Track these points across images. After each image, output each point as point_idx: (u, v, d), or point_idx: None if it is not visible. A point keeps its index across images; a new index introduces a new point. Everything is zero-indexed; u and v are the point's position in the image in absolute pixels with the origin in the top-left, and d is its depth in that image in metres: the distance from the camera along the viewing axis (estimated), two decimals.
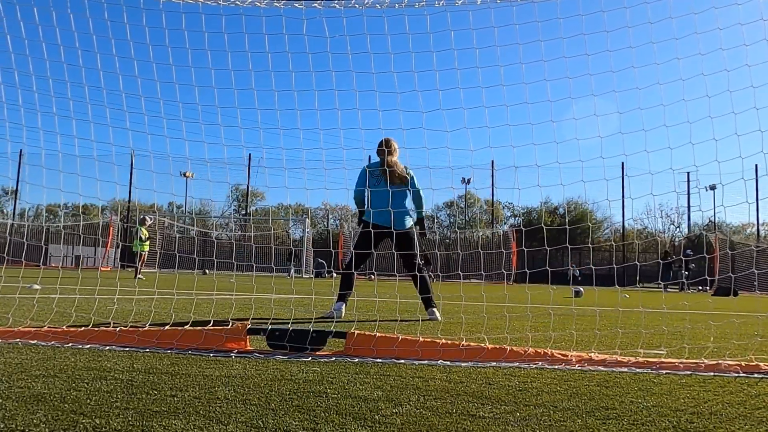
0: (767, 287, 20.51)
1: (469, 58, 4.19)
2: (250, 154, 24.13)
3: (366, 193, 5.67)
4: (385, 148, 5.61)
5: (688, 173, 29.67)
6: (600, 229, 46.86)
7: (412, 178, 5.69)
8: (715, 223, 35.08)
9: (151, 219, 19.02)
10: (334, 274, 23.12)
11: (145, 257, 15.57)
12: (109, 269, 22.26)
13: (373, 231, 5.43)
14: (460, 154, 4.38)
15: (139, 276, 14.40)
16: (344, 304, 5.56)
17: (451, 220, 48.32)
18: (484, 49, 4.20)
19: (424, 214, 5.76)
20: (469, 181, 33.92)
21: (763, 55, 3.69)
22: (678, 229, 44.91)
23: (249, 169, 25.86)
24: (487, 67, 4.20)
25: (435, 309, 5.53)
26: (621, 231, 36.74)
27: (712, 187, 30.09)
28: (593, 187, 4.41)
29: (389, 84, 4.18)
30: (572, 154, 4.06)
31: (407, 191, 5.70)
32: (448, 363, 2.95)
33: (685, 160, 4.13)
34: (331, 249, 28.48)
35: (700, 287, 21.60)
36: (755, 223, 35.61)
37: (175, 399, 2.04)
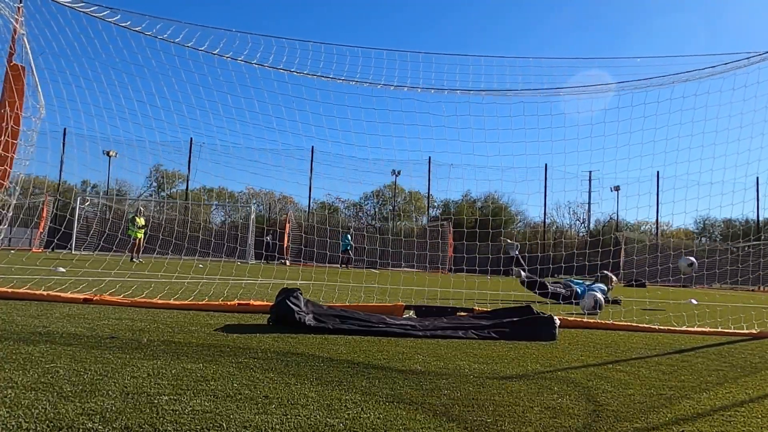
0: (665, 276, 23.59)
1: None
2: (191, 138, 24.12)
3: None
4: None
5: (590, 172, 32.61)
6: (514, 222, 49.84)
7: None
8: (617, 221, 38.52)
9: (144, 209, 20.29)
10: (287, 262, 23.51)
11: (142, 243, 16.49)
12: (41, 251, 21.65)
13: None
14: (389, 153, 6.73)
15: (140, 260, 15.55)
16: None
17: (376, 210, 49.61)
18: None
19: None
20: (399, 173, 35.67)
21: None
22: (583, 225, 48.76)
23: (190, 152, 26.11)
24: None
25: None
26: (533, 224, 39.55)
27: (616, 188, 33.17)
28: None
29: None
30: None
31: None
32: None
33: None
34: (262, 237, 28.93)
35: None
36: (647, 221, 39.76)
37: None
